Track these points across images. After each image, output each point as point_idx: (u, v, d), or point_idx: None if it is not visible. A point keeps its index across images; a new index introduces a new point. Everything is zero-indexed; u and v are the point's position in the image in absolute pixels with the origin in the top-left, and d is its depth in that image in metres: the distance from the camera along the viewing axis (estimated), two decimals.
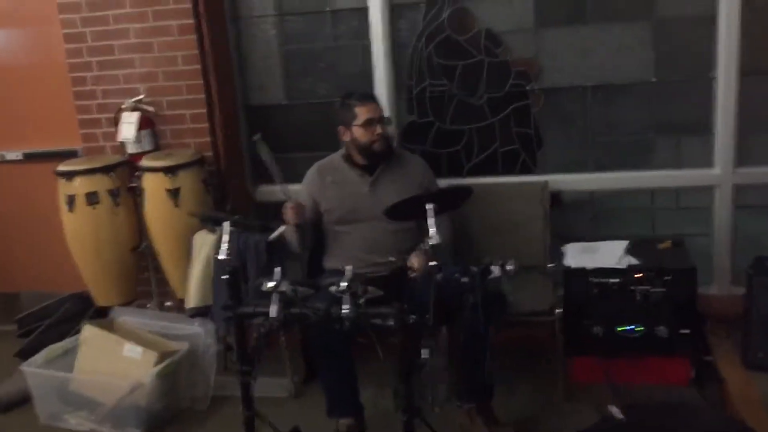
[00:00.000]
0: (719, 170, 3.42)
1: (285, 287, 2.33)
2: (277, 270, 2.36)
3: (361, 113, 2.98)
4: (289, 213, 2.90)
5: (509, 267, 2.50)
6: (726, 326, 3.23)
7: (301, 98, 3.82)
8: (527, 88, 3.56)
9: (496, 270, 2.48)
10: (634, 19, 3.40)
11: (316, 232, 3.11)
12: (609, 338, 3.06)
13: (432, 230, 2.31)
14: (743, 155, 3.39)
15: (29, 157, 4.13)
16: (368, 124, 2.97)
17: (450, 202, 2.59)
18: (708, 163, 3.45)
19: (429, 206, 2.32)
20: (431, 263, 2.32)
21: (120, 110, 3.65)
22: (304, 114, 3.82)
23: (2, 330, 4.27)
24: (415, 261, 2.66)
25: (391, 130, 3.33)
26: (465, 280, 2.39)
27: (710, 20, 3.30)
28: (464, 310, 2.39)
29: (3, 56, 4.07)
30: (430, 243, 2.31)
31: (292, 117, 3.82)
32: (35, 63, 4.02)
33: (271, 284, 2.32)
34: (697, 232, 3.50)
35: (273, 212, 3.68)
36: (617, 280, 3.02)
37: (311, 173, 3.15)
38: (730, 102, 3.33)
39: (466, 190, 2.55)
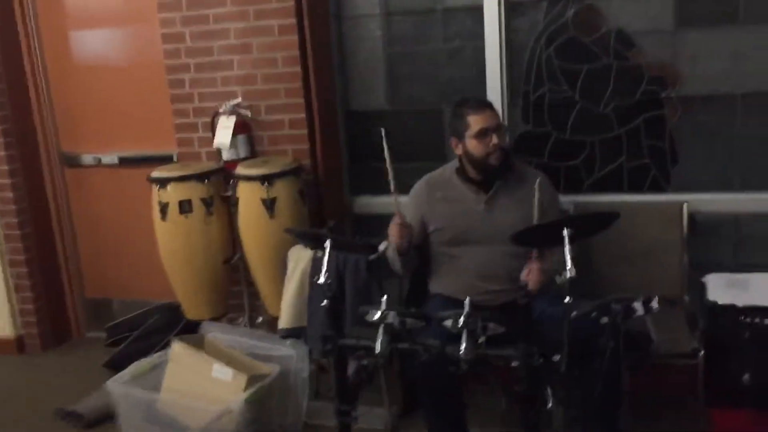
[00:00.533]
0: None
1: (392, 318, 2.04)
2: (384, 299, 2.07)
3: (475, 122, 2.67)
4: (394, 232, 2.61)
5: (654, 305, 2.13)
6: None
7: (406, 104, 3.53)
8: (662, 96, 3.16)
9: (638, 307, 2.11)
10: None
11: (421, 252, 2.81)
12: (761, 387, 2.61)
13: (568, 260, 1.97)
14: None
15: (125, 162, 4.02)
16: (483, 134, 2.66)
17: (591, 228, 2.23)
18: None
19: (566, 232, 1.98)
20: (566, 299, 1.98)
21: (217, 114, 3.47)
22: (409, 121, 3.54)
23: (94, 336, 4.20)
24: (529, 276, 2.32)
25: (507, 140, 2.99)
26: (605, 320, 2.03)
27: None
28: (602, 355, 2.03)
29: (101, 57, 3.97)
30: (567, 276, 1.97)
31: (396, 124, 3.54)
32: (133, 64, 3.90)
33: (377, 315, 2.03)
34: None
35: (372, 226, 3.43)
36: None
37: (419, 187, 2.86)
38: None
39: (613, 215, 2.18)
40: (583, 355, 2.11)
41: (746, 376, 2.63)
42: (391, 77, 3.55)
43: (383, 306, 2.06)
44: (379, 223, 3.02)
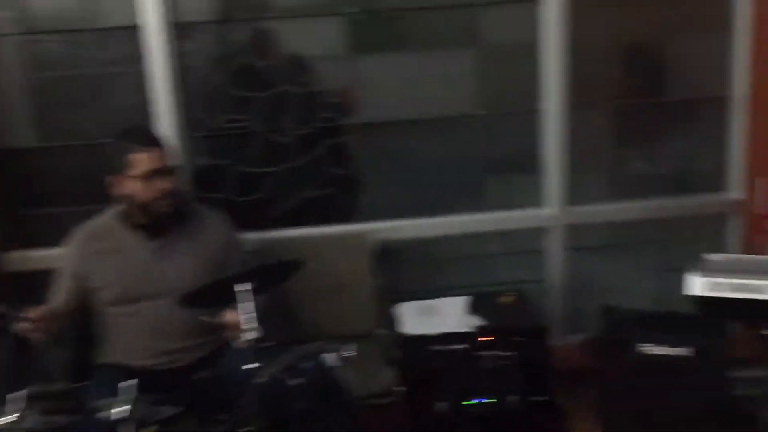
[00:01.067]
0: (551, 210, 3.15)
1: (31, 421, 1.58)
2: (19, 395, 1.60)
3: (140, 162, 2.26)
4: (29, 332, 2.09)
5: (347, 353, 1.95)
6: (572, 381, 2.94)
7: (59, 139, 2.99)
8: (342, 122, 3.06)
9: (331, 359, 1.92)
10: (458, 47, 3.04)
11: (84, 317, 2.35)
12: (455, 414, 2.60)
13: (246, 319, 1.69)
14: (575, 193, 3.15)
15: None
16: (149, 177, 2.27)
17: (272, 279, 1.98)
18: (540, 202, 3.16)
19: (242, 287, 1.70)
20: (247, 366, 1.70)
21: None
22: (64, 158, 3.00)
23: None
24: (230, 317, 2.02)
25: (181, 181, 2.62)
26: (295, 382, 1.79)
27: (534, 48, 3.02)
28: (298, 419, 1.78)
29: None
30: (246, 337, 1.69)
31: (48, 163, 2.99)
32: None
33: (5, 419, 1.56)
34: (534, 277, 3.20)
35: (29, 284, 2.84)
36: (462, 346, 2.58)
37: (74, 239, 2.38)
38: (559, 136, 3.08)
39: (294, 264, 1.94)
40: (276, 422, 1.85)
41: (440, 405, 2.60)
42: (39, 108, 2.99)
43: (18, 402, 1.59)
44: (38, 281, 2.49)
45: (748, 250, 3.07)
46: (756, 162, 3.09)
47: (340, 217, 3.11)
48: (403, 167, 3.12)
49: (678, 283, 3.17)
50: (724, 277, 1.79)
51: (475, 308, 2.75)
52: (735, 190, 3.18)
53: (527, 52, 3.03)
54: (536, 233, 3.18)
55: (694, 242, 3.21)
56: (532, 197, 3.16)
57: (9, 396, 1.63)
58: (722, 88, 3.13)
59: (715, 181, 3.21)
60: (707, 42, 3.11)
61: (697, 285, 1.81)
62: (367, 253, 2.91)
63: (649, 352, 2.52)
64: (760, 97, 3.04)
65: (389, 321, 2.74)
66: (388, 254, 3.02)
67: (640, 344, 2.53)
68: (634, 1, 3.06)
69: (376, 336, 2.77)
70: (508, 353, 2.57)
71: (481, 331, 2.60)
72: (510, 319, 2.70)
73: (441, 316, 2.70)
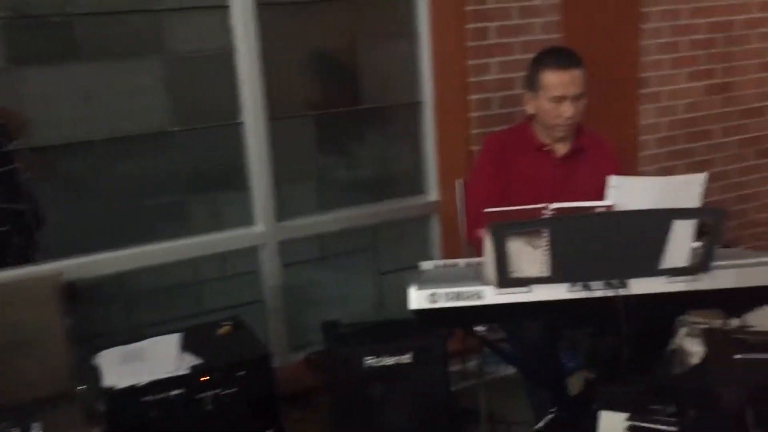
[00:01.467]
0: (262, 227, 3.00)
1: None
2: None
3: None
4: None
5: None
6: (301, 402, 2.84)
7: None
8: (7, 149, 2.59)
9: None
10: (143, 57, 2.74)
11: None
12: None
13: None
14: (284, 208, 3.03)
15: None
16: None
17: None
18: (250, 220, 3.00)
19: None
20: None
21: None
22: None
23: None
24: None
25: None
26: None
27: (228, 57, 2.84)
28: None
29: None
30: None
31: None
32: None
33: None
34: (253, 299, 3.03)
35: None
36: (178, 391, 2.31)
37: None
38: (262, 149, 2.93)
39: None
40: None
41: None
42: None
43: None
44: None
45: (448, 249, 3.22)
46: (444, 164, 3.24)
47: (16, 259, 2.64)
48: (91, 194, 2.73)
49: (392, 287, 3.28)
50: (441, 287, 1.77)
51: (189, 345, 2.48)
52: (432, 193, 3.32)
53: (221, 62, 2.83)
54: (249, 253, 3.01)
55: (403, 245, 3.30)
56: (242, 215, 2.98)
57: None
58: (413, 94, 3.23)
59: (416, 184, 3.32)
60: (396, 49, 3.19)
61: (414, 299, 1.77)
62: (54, 297, 2.48)
63: (373, 364, 2.49)
64: (443, 102, 3.19)
65: (89, 375, 2.36)
66: (81, 296, 2.63)
67: (364, 357, 2.49)
68: (322, 9, 3.02)
69: (75, 395, 2.37)
70: (230, 390, 2.36)
71: (199, 370, 2.35)
72: (229, 351, 2.48)
73: (151, 360, 2.39)
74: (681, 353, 2.61)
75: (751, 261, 1.81)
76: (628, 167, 3.01)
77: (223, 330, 2.61)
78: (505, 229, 1.68)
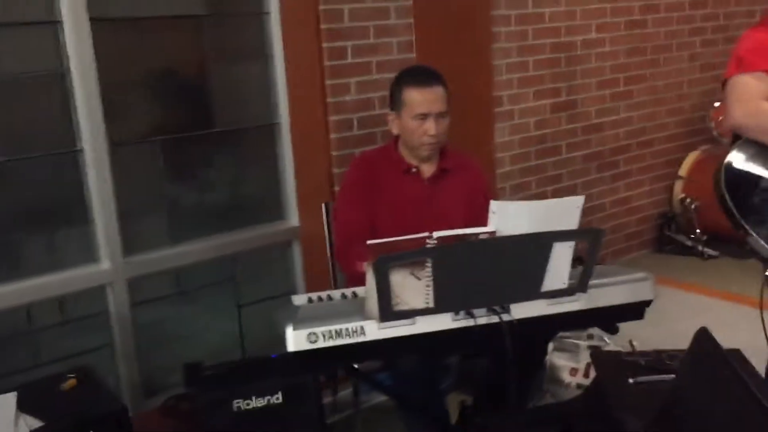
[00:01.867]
0: (107, 264, 2.72)
1: None
2: None
3: None
4: None
5: None
6: None
7: None
8: None
9: None
10: None
11: None
12: None
13: None
14: (132, 242, 2.78)
15: None
16: None
17: None
18: (93, 257, 2.71)
19: None
20: None
21: None
22: None
23: None
24: None
25: None
26: None
27: (62, 79, 2.56)
28: None
29: None
30: None
31: None
32: None
33: None
34: (99, 344, 2.74)
35: None
36: None
37: None
38: (104, 178, 2.67)
39: None
40: None
41: None
42: None
43: None
44: None
45: (312, 275, 3.10)
46: (304, 187, 3.12)
47: None
48: None
49: (255, 320, 3.09)
50: (319, 326, 1.65)
51: (28, 404, 2.17)
52: (292, 218, 3.18)
53: (54, 83, 2.55)
54: (95, 293, 2.72)
55: (264, 275, 3.14)
56: (85, 252, 2.69)
57: None
58: (269, 116, 3.09)
59: (275, 210, 3.17)
60: (251, 69, 3.04)
61: (292, 340, 1.63)
62: None
63: (243, 407, 2.31)
64: (300, 123, 3.07)
65: None
66: None
67: (233, 400, 2.30)
68: (167, 27, 2.81)
69: None
70: None
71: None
72: (76, 407, 2.20)
73: None
74: (552, 368, 2.66)
75: (624, 278, 1.84)
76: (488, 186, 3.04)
77: (68, 383, 2.31)
78: (387, 261, 1.59)
